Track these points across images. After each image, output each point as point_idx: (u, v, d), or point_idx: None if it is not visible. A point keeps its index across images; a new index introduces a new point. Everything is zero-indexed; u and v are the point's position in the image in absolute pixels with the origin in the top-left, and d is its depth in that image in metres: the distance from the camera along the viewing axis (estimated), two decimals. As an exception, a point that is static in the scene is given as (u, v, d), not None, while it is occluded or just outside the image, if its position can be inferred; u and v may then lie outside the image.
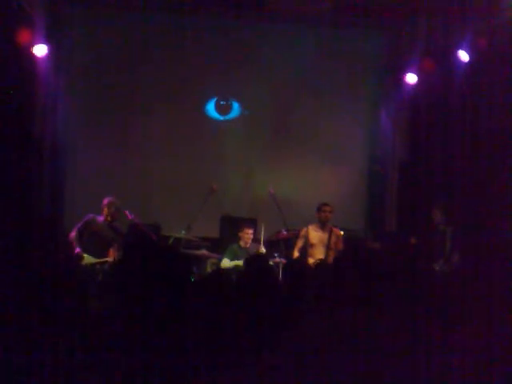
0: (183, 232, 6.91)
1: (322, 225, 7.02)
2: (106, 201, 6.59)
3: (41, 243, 6.58)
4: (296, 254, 7.03)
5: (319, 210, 7.03)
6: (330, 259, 6.61)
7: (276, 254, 6.93)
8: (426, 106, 7.75)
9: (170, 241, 6.82)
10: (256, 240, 7.22)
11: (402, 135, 8.52)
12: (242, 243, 7.19)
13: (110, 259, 6.39)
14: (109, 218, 6.55)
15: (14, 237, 6.27)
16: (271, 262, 6.79)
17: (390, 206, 8.65)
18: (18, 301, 2.49)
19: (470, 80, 6.96)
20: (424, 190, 7.48)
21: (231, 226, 7.76)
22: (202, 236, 7.28)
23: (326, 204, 7.07)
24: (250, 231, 7.20)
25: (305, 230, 7.06)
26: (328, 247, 6.88)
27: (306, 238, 7.03)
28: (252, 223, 7.44)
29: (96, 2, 8.01)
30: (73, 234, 6.46)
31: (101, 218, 6.59)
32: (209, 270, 6.88)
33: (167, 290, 2.28)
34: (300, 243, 7.07)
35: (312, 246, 6.99)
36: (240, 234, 7.20)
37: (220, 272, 4.60)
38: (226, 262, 6.95)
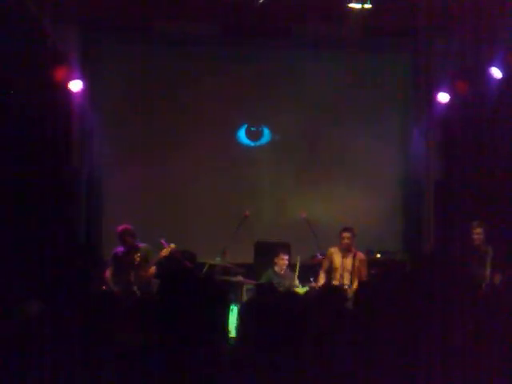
0: (218, 259, 6.92)
1: (344, 250, 6.84)
2: (119, 229, 6.54)
3: (79, 272, 6.66)
4: (322, 275, 6.88)
5: (339, 235, 6.83)
6: (355, 285, 6.51)
7: (312, 279, 6.88)
8: (460, 123, 7.65)
9: (206, 268, 6.83)
10: (291, 266, 7.17)
11: (436, 154, 8.41)
12: (277, 269, 7.16)
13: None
14: (126, 246, 6.52)
15: (52, 265, 6.37)
16: (307, 287, 6.74)
17: (427, 226, 8.50)
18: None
19: (504, 97, 6.86)
20: (461, 208, 7.33)
21: (266, 251, 7.74)
22: (236, 262, 7.27)
23: (345, 229, 6.83)
24: (286, 257, 7.17)
25: (330, 251, 6.90)
26: (352, 273, 6.73)
27: (331, 261, 6.89)
28: (286, 248, 7.41)
29: (127, 37, 8.22)
30: (106, 274, 6.54)
31: (121, 249, 6.59)
32: (244, 296, 6.82)
33: (204, 319, 2.28)
34: (325, 265, 6.92)
35: (335, 269, 6.83)
36: (275, 260, 7.16)
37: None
38: None
